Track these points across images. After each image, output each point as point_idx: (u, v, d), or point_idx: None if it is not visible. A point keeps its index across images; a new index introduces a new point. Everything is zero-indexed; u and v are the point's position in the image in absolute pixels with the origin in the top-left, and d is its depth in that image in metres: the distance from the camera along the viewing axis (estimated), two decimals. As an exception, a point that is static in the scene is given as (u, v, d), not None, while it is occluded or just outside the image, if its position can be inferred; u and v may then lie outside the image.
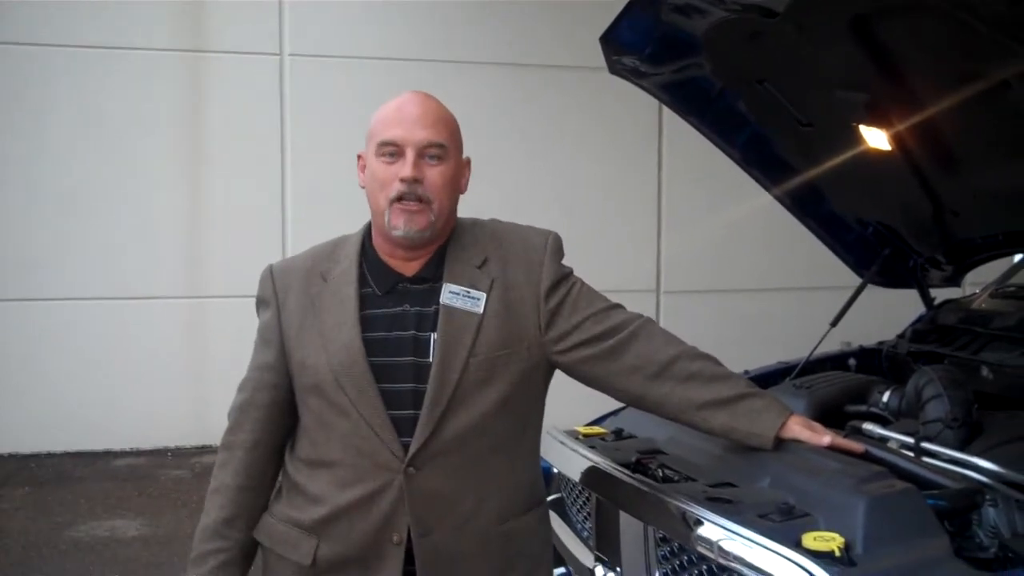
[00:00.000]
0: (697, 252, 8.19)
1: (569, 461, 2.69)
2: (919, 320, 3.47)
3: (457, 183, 2.23)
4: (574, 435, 2.80)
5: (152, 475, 6.65)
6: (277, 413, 2.25)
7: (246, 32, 7.40)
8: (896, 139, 2.88)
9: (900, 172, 3.01)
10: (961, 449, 2.44)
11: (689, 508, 2.12)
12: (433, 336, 2.14)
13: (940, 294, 3.59)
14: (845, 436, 2.50)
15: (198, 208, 7.37)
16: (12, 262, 7.11)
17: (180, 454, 7.11)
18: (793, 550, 1.85)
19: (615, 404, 3.06)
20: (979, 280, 3.90)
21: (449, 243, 2.23)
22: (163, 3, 7.27)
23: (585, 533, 2.75)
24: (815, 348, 3.36)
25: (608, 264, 7.88)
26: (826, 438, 2.23)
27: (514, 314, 2.19)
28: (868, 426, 2.64)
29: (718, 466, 2.37)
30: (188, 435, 7.22)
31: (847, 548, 1.85)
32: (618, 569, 2.44)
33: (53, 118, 7.14)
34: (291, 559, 2.19)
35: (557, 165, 7.97)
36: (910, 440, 2.50)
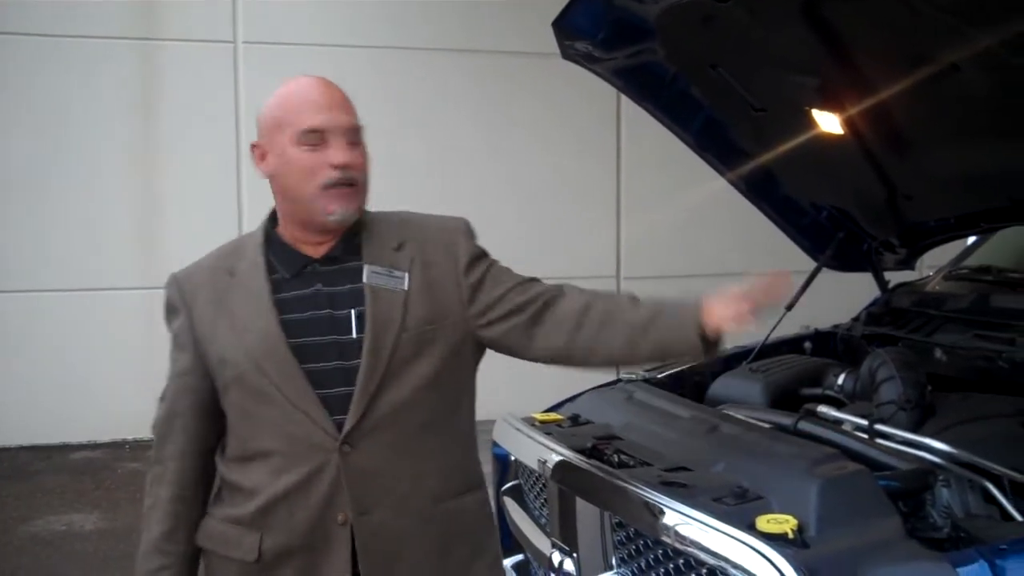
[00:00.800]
0: (656, 238, 8.21)
1: (525, 448, 2.69)
2: (873, 303, 3.50)
3: (369, 165, 2.25)
4: (530, 422, 2.80)
5: (110, 468, 6.59)
6: (202, 417, 2.20)
7: (199, 19, 7.33)
8: (848, 123, 2.89)
9: (853, 156, 3.03)
10: (914, 431, 2.46)
11: (645, 493, 2.12)
12: (353, 312, 2.12)
13: (894, 277, 3.61)
14: (800, 419, 2.52)
15: (153, 198, 7.30)
16: (-39, 254, 7.02)
17: (138, 446, 7.03)
18: (747, 533, 1.86)
19: (572, 390, 3.08)
20: (933, 263, 3.93)
21: (362, 229, 2.21)
22: (115, -10, 7.19)
23: (542, 520, 2.75)
24: (771, 332, 3.37)
25: (567, 250, 7.90)
26: (744, 305, 2.14)
27: (437, 290, 2.19)
28: (823, 408, 2.65)
29: (673, 451, 2.38)
30: (146, 427, 7.11)
31: (800, 530, 1.86)
32: (575, 555, 2.44)
33: (4, 107, 7.03)
34: (234, 558, 2.14)
35: (515, 152, 7.96)
36: (864, 422, 2.52)
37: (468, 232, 2.29)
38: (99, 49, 7.17)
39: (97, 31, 7.16)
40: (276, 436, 2.10)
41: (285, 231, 2.20)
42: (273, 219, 2.24)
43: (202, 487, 2.23)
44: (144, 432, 7.82)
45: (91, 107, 7.16)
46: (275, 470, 2.10)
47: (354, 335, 2.11)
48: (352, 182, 2.11)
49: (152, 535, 2.19)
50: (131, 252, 7.24)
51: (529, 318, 2.22)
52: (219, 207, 7.32)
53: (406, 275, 2.17)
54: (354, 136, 2.14)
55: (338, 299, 2.13)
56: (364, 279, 2.14)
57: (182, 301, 2.19)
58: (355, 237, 2.19)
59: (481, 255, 2.26)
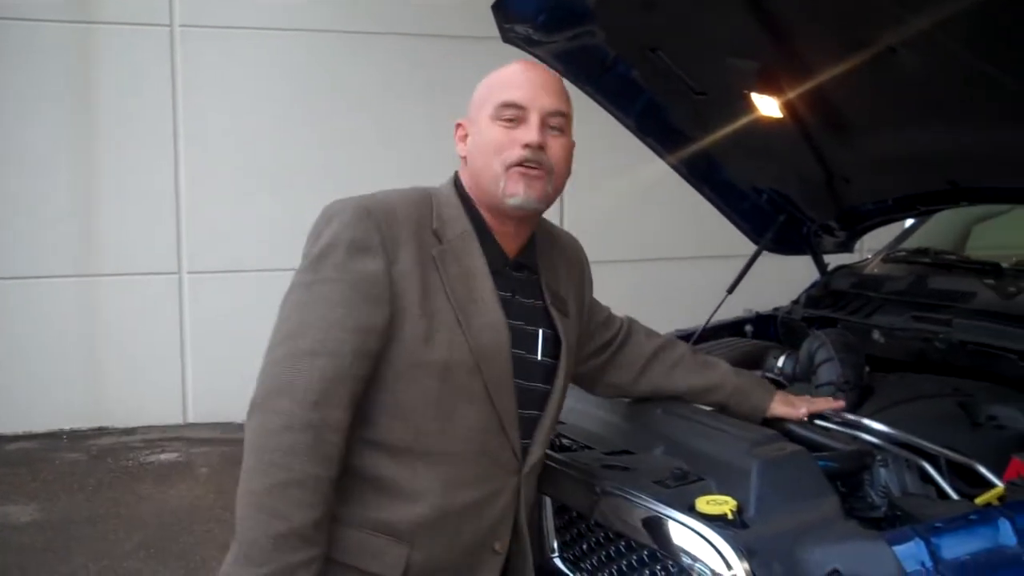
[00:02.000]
0: (600, 222, 8.22)
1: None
2: (813, 286, 3.52)
3: (570, 162, 2.07)
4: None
5: (46, 459, 6.47)
6: (363, 390, 1.86)
7: (135, 2, 7.20)
8: (787, 107, 2.90)
9: (792, 139, 3.04)
10: (852, 411, 2.48)
11: (586, 476, 2.12)
12: (541, 332, 2.03)
13: (834, 260, 3.64)
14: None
15: (89, 184, 7.17)
16: None
17: (76, 436, 6.93)
18: (687, 514, 1.87)
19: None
20: (873, 246, 3.97)
21: (536, 237, 2.11)
22: (48, -28, 7.04)
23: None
24: (712, 315, 3.39)
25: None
26: (803, 409, 2.38)
27: (578, 318, 2.18)
28: (763, 391, 2.66)
29: (614, 434, 2.38)
30: (83, 417, 7.05)
31: (739, 511, 1.88)
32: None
33: (-66, 92, 6.88)
34: (371, 572, 1.85)
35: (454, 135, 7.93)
36: (803, 404, 2.53)
37: (584, 253, 2.33)
38: (32, 32, 7.02)
39: (30, 13, 7.01)
40: (467, 442, 1.90)
41: (483, 213, 2.03)
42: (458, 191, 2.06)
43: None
44: (81, 423, 7.71)
45: (24, 91, 7.01)
46: (455, 480, 1.89)
47: (538, 357, 2.02)
48: (540, 164, 1.96)
49: (296, 520, 1.73)
50: (67, 239, 7.11)
51: (608, 358, 2.31)
52: (156, 193, 7.21)
53: (568, 300, 2.14)
54: (557, 122, 1.99)
55: (529, 313, 2.03)
56: (546, 299, 2.06)
57: (382, 244, 1.87)
58: (533, 243, 2.09)
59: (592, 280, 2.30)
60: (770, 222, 3.51)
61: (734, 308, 3.48)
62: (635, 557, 2.05)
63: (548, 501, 2.30)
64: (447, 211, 1.99)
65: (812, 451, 2.11)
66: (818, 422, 2.41)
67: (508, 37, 3.01)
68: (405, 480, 1.86)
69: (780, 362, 2.92)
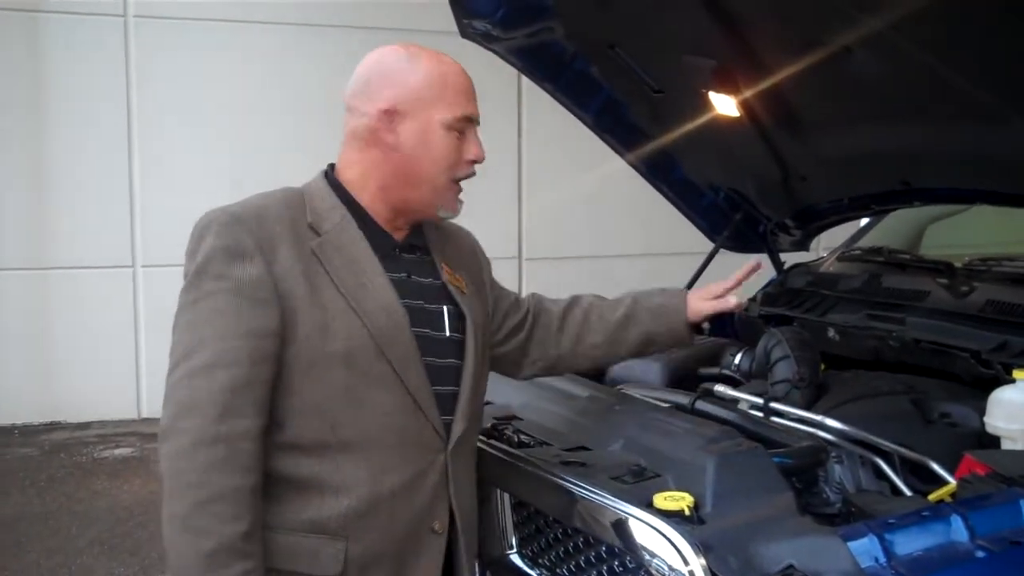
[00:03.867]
0: (558, 219, 8.25)
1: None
2: (770, 284, 3.55)
3: None
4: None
5: (-3, 454, 6.41)
6: (270, 393, 1.82)
7: (89, -9, 7.12)
8: (744, 105, 2.92)
9: (749, 138, 3.06)
10: (808, 408, 2.51)
11: (544, 472, 2.12)
12: (446, 309, 2.02)
13: (790, 258, 3.67)
14: (697, 398, 2.54)
15: (40, 176, 7.08)
16: None
17: (28, 431, 6.85)
18: (644, 511, 1.87)
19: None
20: (829, 244, 4.00)
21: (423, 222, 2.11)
22: (-1, -42, 6.94)
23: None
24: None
25: (470, 230, 7.88)
26: (732, 299, 2.41)
27: (479, 296, 2.16)
28: (720, 388, 2.68)
29: (572, 430, 2.38)
30: (36, 412, 6.97)
31: (696, 507, 1.88)
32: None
33: None
34: (311, 574, 1.83)
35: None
36: (759, 400, 2.55)
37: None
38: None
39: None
40: (385, 427, 1.88)
41: (372, 207, 1.99)
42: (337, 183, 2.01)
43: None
44: (33, 417, 7.62)
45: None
46: (379, 467, 1.87)
47: (447, 333, 2.01)
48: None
49: (223, 534, 1.71)
50: (19, 232, 7.01)
51: (527, 335, 2.30)
52: (110, 185, 7.14)
53: (465, 278, 2.12)
54: None
55: (428, 292, 2.01)
56: (443, 278, 2.05)
57: (257, 247, 1.83)
58: (420, 227, 2.08)
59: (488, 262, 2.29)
60: (727, 220, 3.53)
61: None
62: (593, 553, 2.06)
63: (507, 497, 2.30)
64: (320, 204, 1.96)
65: (768, 447, 2.12)
66: (774, 419, 2.43)
67: (466, 33, 3.01)
68: (328, 475, 1.84)
69: (737, 359, 2.94)
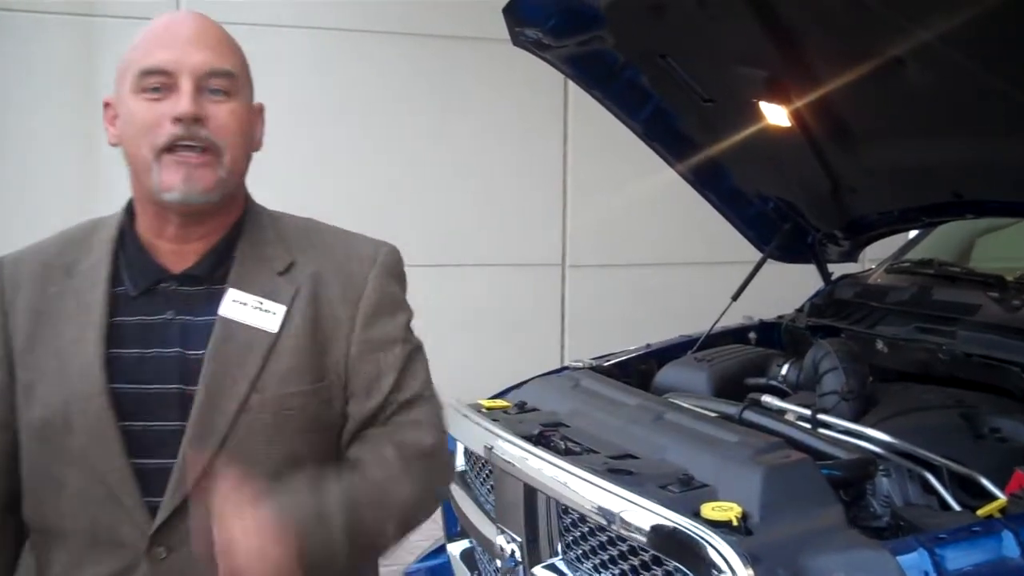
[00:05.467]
0: (603, 226, 8.23)
1: (472, 434, 2.68)
2: (817, 295, 3.53)
3: (252, 131, 1.66)
4: (477, 408, 2.80)
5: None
6: (7, 461, 1.59)
7: (140, -3, 7.22)
8: (795, 115, 2.91)
9: (799, 148, 3.05)
10: (856, 421, 2.50)
11: (591, 480, 2.13)
12: (191, 355, 1.56)
13: (838, 269, 3.66)
14: (744, 408, 2.54)
15: (89, 176, 7.17)
16: None
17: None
18: (692, 520, 1.87)
19: (520, 378, 3.08)
20: (875, 256, 3.98)
21: (241, 234, 1.65)
22: (54, -36, 7.06)
23: (488, 505, 2.75)
24: (716, 322, 3.40)
25: (513, 238, 7.89)
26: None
27: (322, 338, 1.61)
28: (767, 398, 2.68)
29: (619, 438, 2.39)
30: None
31: (744, 518, 1.88)
32: (519, 539, 2.44)
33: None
34: None
35: (460, 138, 7.93)
36: (807, 412, 2.54)
37: (388, 267, 1.71)
38: (36, 23, 7.03)
39: (34, 5, 7.03)
40: (77, 515, 1.54)
41: (141, 225, 1.64)
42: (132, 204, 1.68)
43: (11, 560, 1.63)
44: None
45: (28, 83, 7.03)
46: (74, 562, 1.55)
47: (174, 385, 1.56)
48: (203, 145, 1.53)
49: None
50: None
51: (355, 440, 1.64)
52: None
53: (283, 310, 1.60)
54: (220, 83, 1.56)
55: (193, 334, 1.57)
56: (220, 309, 1.58)
57: (0, 296, 1.62)
58: (231, 248, 1.64)
59: (395, 306, 1.70)
60: (775, 230, 3.53)
61: (736, 315, 3.50)
62: (639, 561, 2.06)
63: (553, 503, 2.31)
64: (101, 234, 1.66)
65: (816, 459, 2.12)
66: (822, 431, 2.42)
67: (518, 41, 3.03)
68: (41, 565, 1.60)
69: (784, 370, 2.94)
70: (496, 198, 7.90)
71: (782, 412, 2.61)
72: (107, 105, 1.64)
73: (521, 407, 2.80)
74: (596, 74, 3.13)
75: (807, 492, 1.97)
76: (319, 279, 1.64)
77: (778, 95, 2.87)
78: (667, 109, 3.23)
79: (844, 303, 3.36)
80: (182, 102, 1.51)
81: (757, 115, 2.98)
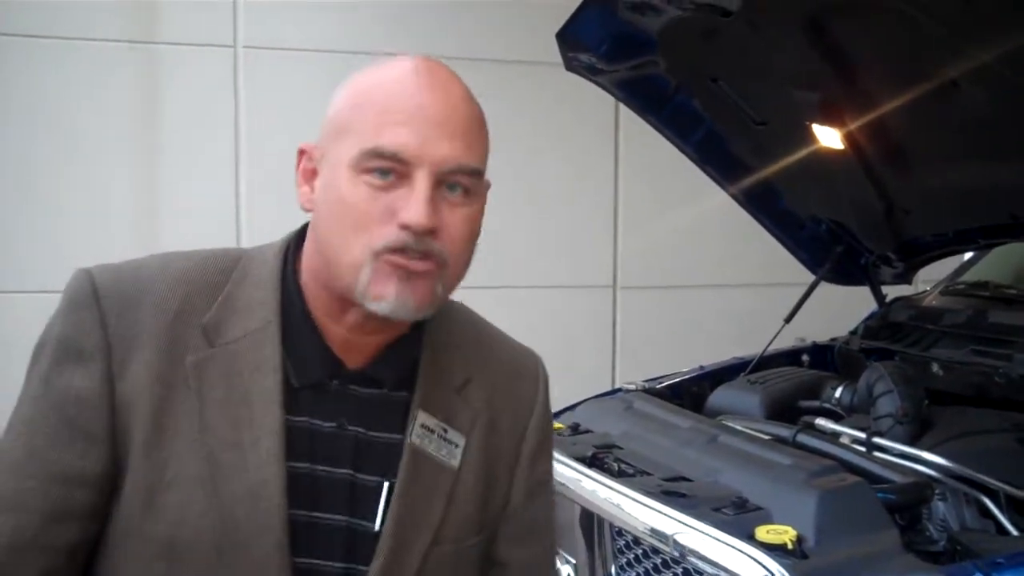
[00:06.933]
0: (654, 248, 8.22)
1: (525, 456, 2.69)
2: (871, 317, 3.51)
3: (477, 237, 1.30)
4: (531, 430, 2.81)
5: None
6: (74, 566, 1.22)
7: (200, 23, 7.33)
8: (848, 138, 2.91)
9: (852, 170, 3.04)
10: (911, 444, 2.48)
11: (645, 502, 2.14)
12: (386, 485, 1.27)
13: (892, 291, 3.64)
14: (798, 431, 2.54)
15: (151, 201, 7.29)
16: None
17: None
18: (746, 543, 1.88)
19: (571, 399, 3.09)
20: (930, 278, 3.96)
21: (426, 334, 1.34)
22: (115, -7, 7.21)
23: (541, 527, 2.76)
24: (769, 344, 3.39)
25: (565, 260, 7.90)
26: None
27: (492, 476, 1.36)
28: (820, 421, 2.67)
29: (673, 461, 2.39)
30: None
31: (799, 541, 1.88)
32: (573, 561, 2.45)
33: (4, 108, 7.04)
34: None
35: (512, 160, 7.96)
36: (861, 435, 2.53)
37: (547, 387, 1.46)
38: (99, 52, 7.17)
39: (96, 33, 7.17)
40: None
41: (312, 298, 1.29)
42: (289, 259, 1.33)
43: None
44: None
45: (89, 110, 7.15)
46: None
47: (377, 525, 1.26)
48: (429, 256, 1.21)
49: None
50: (131, 255, 7.23)
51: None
52: (217, 212, 7.32)
53: (463, 441, 1.33)
54: (464, 182, 1.24)
55: (367, 453, 1.28)
56: (409, 434, 1.29)
57: (104, 346, 1.22)
58: (415, 347, 1.33)
59: (550, 436, 1.47)
60: (828, 252, 3.51)
61: (789, 337, 3.49)
62: (693, 584, 2.07)
63: (607, 524, 2.32)
64: (248, 294, 1.29)
65: (871, 483, 2.11)
66: (877, 454, 2.41)
67: (571, 66, 3.05)
68: None
69: (838, 393, 2.92)
70: (547, 220, 7.93)
71: (836, 435, 2.61)
72: (303, 153, 1.32)
73: (575, 429, 2.81)
74: (648, 98, 3.15)
75: (862, 516, 1.96)
76: (493, 399, 1.37)
77: (831, 117, 2.87)
78: (719, 132, 3.24)
79: (898, 325, 3.34)
80: (416, 208, 1.18)
81: (810, 137, 2.98)
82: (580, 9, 2.84)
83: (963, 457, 2.30)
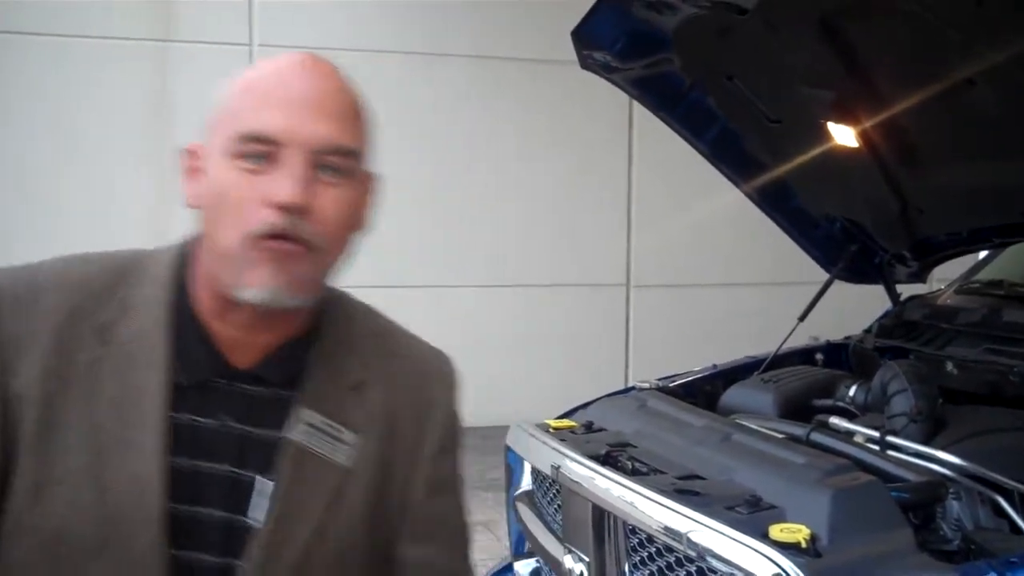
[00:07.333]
0: (667, 246, 8.24)
1: (539, 454, 2.70)
2: (885, 315, 3.51)
3: (358, 218, 1.34)
4: (544, 428, 2.82)
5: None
6: None
7: (216, 21, 7.37)
8: (863, 136, 2.91)
9: (867, 169, 3.04)
10: (925, 443, 2.47)
11: (658, 500, 2.14)
12: (259, 481, 1.29)
13: (906, 290, 3.63)
14: (812, 430, 2.54)
15: (164, 199, 7.33)
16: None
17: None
18: (760, 541, 1.88)
19: (584, 397, 3.10)
20: (945, 276, 3.95)
21: (319, 333, 1.37)
22: (131, -9, 7.23)
23: (555, 524, 2.76)
24: (783, 343, 3.39)
25: (578, 259, 7.92)
26: None
27: (390, 475, 1.36)
28: (834, 420, 2.67)
29: (686, 459, 2.39)
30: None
31: (813, 540, 1.88)
32: (587, 559, 2.46)
33: (20, 106, 7.08)
34: None
35: (527, 158, 7.99)
36: (876, 434, 2.53)
37: (454, 383, 1.47)
38: (115, 50, 7.21)
39: (113, 32, 7.20)
40: None
41: (200, 299, 1.32)
42: (185, 259, 1.36)
43: None
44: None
45: (104, 108, 7.20)
46: None
47: (249, 518, 1.29)
48: (299, 239, 1.22)
49: None
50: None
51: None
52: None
53: (354, 440, 1.33)
54: (338, 162, 1.25)
55: (250, 450, 1.30)
56: (290, 431, 1.30)
57: None
58: (308, 346, 1.35)
59: (456, 439, 1.46)
60: (842, 251, 3.51)
61: (803, 336, 3.48)
62: (706, 582, 2.07)
63: (620, 522, 2.32)
64: (143, 293, 1.31)
65: (885, 482, 2.11)
66: (891, 453, 2.41)
67: (586, 63, 3.06)
68: None
69: (852, 391, 2.92)
70: (561, 219, 7.94)
71: (850, 434, 2.60)
72: (190, 153, 1.34)
73: (588, 427, 2.81)
74: (662, 96, 3.15)
75: (876, 514, 1.96)
76: (392, 398, 1.38)
77: (846, 116, 2.87)
78: (733, 130, 3.24)
79: (913, 324, 3.33)
80: (288, 185, 1.20)
81: (824, 136, 2.98)
82: (595, 7, 2.84)
83: (977, 456, 2.29)
